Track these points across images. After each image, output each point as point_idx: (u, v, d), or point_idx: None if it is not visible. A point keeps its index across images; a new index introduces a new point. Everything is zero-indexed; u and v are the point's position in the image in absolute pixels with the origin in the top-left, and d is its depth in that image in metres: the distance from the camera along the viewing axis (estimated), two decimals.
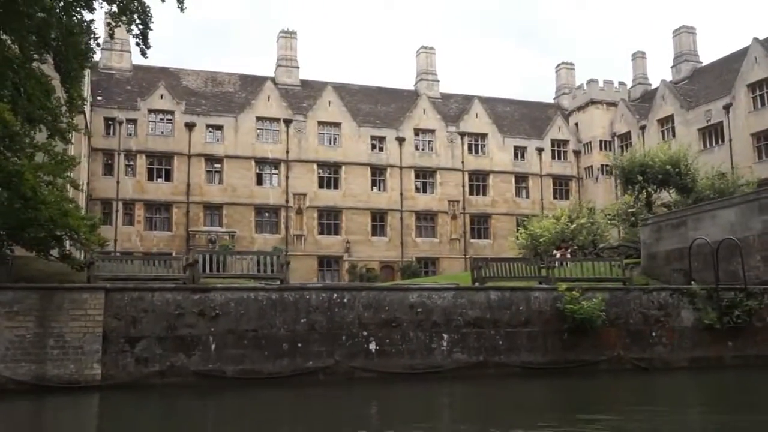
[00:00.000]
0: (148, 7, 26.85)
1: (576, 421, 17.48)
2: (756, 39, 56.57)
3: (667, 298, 28.25)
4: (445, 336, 25.56)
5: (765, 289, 29.17)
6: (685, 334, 27.98)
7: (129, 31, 28.15)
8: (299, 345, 24.25)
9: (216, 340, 23.60)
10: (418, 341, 25.31)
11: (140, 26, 27.68)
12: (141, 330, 23.13)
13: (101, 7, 27.54)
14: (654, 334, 27.70)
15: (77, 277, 25.65)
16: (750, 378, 26.33)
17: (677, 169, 43.15)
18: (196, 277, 26.51)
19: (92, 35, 28.42)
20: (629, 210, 43.66)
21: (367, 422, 18.38)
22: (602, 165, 66.02)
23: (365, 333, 24.87)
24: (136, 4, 26.49)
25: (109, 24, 28.00)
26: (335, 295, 25.05)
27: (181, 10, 27.03)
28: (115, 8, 26.60)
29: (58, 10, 25.89)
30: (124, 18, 27.14)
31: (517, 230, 54.17)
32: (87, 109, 54.52)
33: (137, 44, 28.80)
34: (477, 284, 28.57)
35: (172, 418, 19.27)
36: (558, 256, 38.01)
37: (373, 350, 24.85)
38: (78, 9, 26.76)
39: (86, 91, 52.44)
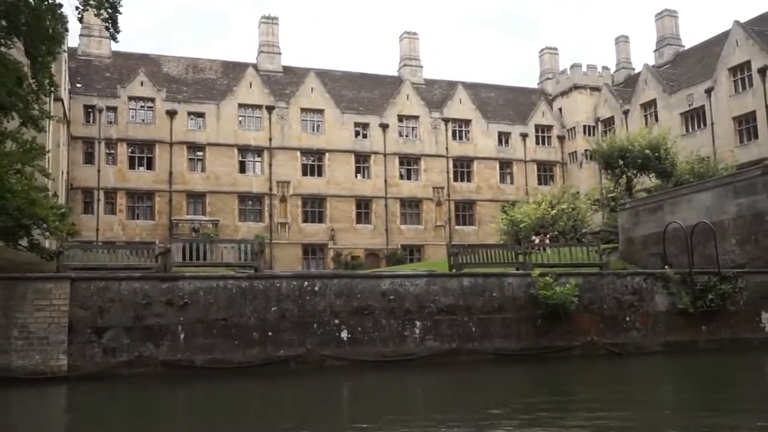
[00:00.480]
0: None
1: (549, 403, 17.47)
2: (737, 22, 56.40)
3: (641, 282, 28.16)
4: (418, 323, 25.43)
5: (738, 272, 29.11)
6: (658, 319, 27.92)
7: (98, 15, 27.88)
8: (270, 334, 24.09)
9: (185, 330, 23.42)
10: (391, 329, 25.17)
11: (109, 10, 27.39)
12: (108, 320, 22.93)
13: None
14: (628, 319, 27.63)
15: (47, 266, 25.40)
16: (722, 361, 26.27)
17: (657, 154, 42.96)
18: (168, 266, 26.29)
19: (61, 20, 28.08)
20: (609, 195, 43.49)
21: (338, 410, 18.25)
22: (586, 150, 65.74)
23: (337, 321, 24.72)
24: None
25: (77, 8, 27.68)
26: (306, 283, 24.88)
27: None
28: None
29: None
30: (93, 2, 26.81)
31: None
32: (65, 96, 54.13)
33: (107, 29, 28.58)
34: (453, 271, 28.41)
35: (141, 408, 19.08)
36: (537, 241, 37.88)
37: (345, 338, 24.71)
38: None
39: (63, 78, 52.06)
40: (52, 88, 29.53)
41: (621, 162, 43.40)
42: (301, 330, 24.36)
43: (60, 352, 22.24)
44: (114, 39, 29.49)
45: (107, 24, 27.99)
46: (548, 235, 40.20)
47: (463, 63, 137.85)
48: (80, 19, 29.30)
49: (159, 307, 23.35)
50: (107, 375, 22.46)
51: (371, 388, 22.06)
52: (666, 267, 29.87)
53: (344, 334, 24.67)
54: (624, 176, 43.86)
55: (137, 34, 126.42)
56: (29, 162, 26.45)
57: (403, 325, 25.29)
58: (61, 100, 51.87)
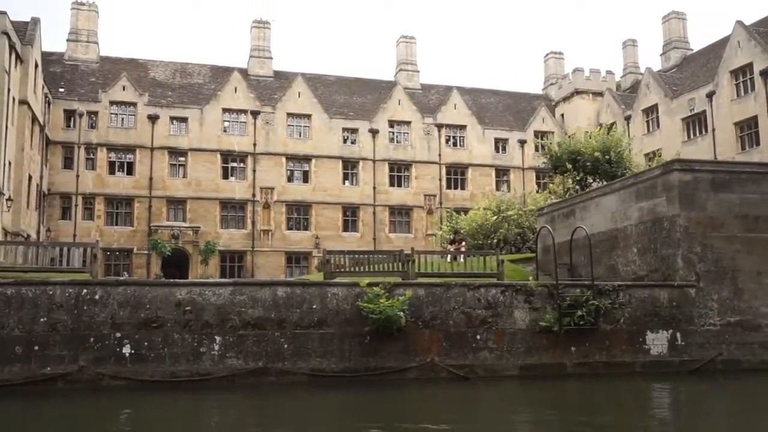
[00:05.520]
0: None
1: None
2: (739, 22, 52.17)
3: (498, 296, 24.39)
4: (218, 338, 22.39)
5: (619, 285, 25.16)
6: (516, 338, 24.10)
7: None
8: (36, 348, 21.32)
9: None
10: (184, 344, 22.20)
11: None
12: None
13: None
14: (479, 337, 23.93)
15: None
16: (584, 387, 22.66)
17: (608, 157, 39.04)
18: None
19: None
20: (555, 201, 39.65)
21: None
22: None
23: (119, 334, 21.84)
24: None
25: None
26: (85, 290, 22.07)
27: None
28: None
29: None
30: None
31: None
32: (36, 100, 53.05)
33: None
34: (326, 279, 25.51)
35: None
36: (452, 249, 34.60)
37: (127, 354, 21.82)
38: None
39: (32, 81, 50.77)
40: None
41: (570, 166, 39.64)
42: (75, 344, 21.57)
43: None
44: None
45: None
46: (464, 243, 36.70)
47: (469, 69, 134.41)
48: None
49: None
50: None
51: (145, 414, 19.16)
52: (530, 278, 26.21)
53: (126, 350, 21.81)
54: (570, 180, 39.93)
55: (145, 40, 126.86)
56: None
57: (199, 341, 22.30)
58: (27, 102, 50.63)
